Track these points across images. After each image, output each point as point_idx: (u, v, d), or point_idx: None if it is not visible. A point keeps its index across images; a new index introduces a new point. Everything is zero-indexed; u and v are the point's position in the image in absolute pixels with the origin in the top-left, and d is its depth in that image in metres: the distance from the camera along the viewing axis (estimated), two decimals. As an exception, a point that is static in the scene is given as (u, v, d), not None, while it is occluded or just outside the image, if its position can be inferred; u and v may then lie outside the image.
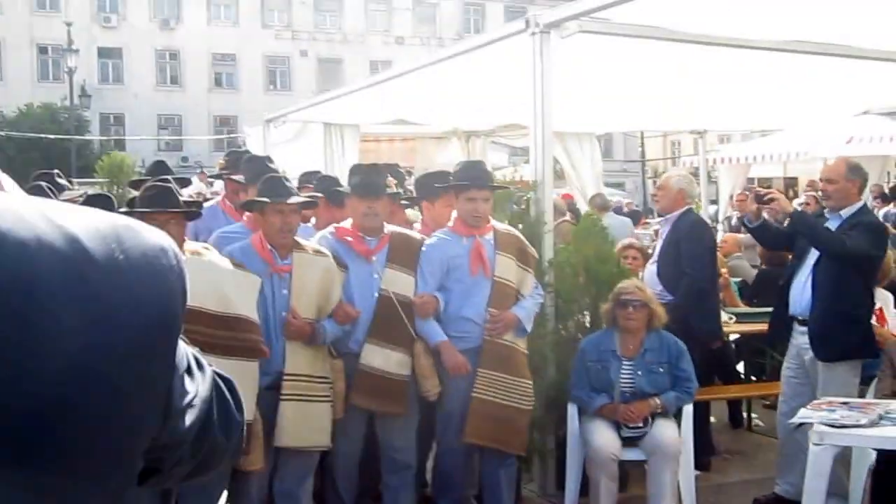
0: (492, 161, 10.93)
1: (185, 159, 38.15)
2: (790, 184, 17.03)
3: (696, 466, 5.84)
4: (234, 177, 5.82)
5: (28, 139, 33.01)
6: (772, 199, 5.39)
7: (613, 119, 10.61)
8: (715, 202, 15.96)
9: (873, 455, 4.69)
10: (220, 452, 1.32)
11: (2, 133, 34.62)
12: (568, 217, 9.10)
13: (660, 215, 7.72)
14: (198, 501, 4.28)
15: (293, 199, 4.61)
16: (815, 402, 4.68)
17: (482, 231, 5.02)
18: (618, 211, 15.03)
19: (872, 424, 4.15)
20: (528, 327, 5.09)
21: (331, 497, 5.07)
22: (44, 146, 32.92)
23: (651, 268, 6.34)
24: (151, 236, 1.14)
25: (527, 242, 5.24)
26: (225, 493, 4.58)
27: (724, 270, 7.67)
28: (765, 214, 5.52)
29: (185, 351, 1.22)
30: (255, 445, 4.36)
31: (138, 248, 1.11)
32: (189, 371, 1.22)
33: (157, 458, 1.19)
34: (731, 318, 7.00)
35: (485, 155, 11.31)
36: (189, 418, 1.20)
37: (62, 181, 6.28)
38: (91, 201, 4.84)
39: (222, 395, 1.31)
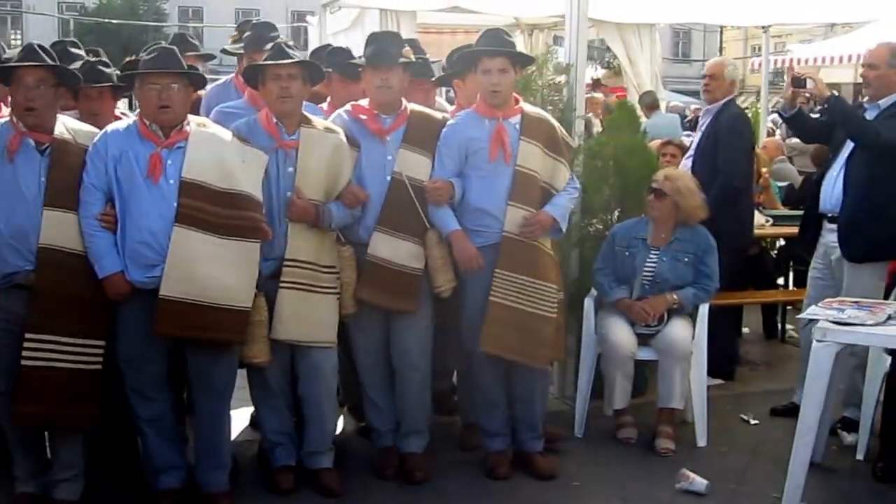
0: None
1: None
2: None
3: (719, 375, 5.80)
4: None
5: (107, 31, 33.64)
6: (808, 80, 4.99)
7: (678, 7, 9.77)
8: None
9: (888, 361, 4.48)
10: None
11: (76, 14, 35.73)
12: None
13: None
14: (207, 396, 4.23)
15: (288, 61, 4.21)
16: (827, 300, 4.42)
17: (507, 113, 4.50)
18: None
19: (878, 324, 3.89)
20: (564, 227, 4.62)
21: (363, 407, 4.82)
22: (122, 37, 33.53)
23: (686, 162, 5.99)
24: None
25: (560, 128, 4.74)
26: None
27: (764, 171, 7.33)
28: (800, 101, 5.19)
29: None
30: (256, 335, 4.11)
31: None
32: None
33: None
34: (767, 221, 6.65)
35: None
36: None
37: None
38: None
39: None
